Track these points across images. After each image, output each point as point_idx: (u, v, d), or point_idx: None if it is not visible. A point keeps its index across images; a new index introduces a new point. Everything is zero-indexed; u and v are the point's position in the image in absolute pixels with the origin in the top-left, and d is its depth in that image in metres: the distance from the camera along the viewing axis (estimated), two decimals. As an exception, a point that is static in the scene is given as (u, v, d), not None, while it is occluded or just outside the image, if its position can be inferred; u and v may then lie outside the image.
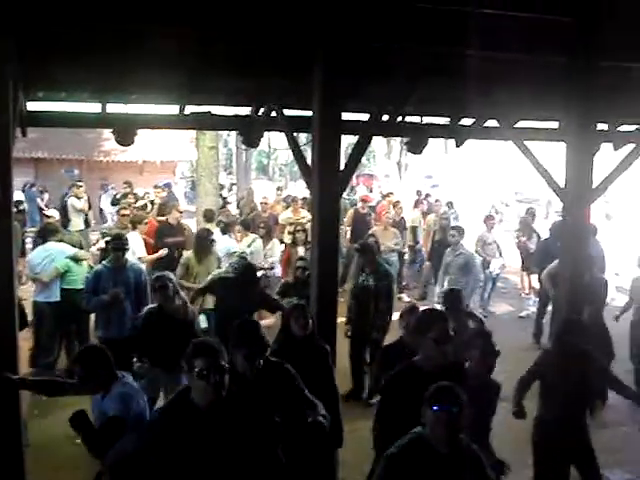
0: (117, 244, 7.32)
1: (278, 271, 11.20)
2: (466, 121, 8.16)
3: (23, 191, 16.67)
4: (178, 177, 28.41)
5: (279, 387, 4.24)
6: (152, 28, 4.96)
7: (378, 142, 40.81)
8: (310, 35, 5.17)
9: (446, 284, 9.83)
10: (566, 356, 5.31)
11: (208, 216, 11.57)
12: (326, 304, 5.57)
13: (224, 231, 10.54)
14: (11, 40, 4.61)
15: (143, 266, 8.26)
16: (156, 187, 15.51)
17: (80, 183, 16.06)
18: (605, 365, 5.78)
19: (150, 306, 6.67)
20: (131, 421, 4.25)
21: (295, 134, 6.69)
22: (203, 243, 9.09)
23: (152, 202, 14.31)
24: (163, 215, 11.85)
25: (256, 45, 5.62)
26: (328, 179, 5.45)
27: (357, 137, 6.23)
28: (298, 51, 5.54)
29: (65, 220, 13.93)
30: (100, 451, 4.22)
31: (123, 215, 11.13)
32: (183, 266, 8.95)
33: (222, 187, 20.28)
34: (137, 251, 9.72)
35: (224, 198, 17.58)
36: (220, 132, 18.18)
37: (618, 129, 8.55)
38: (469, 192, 25.01)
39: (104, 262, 7.43)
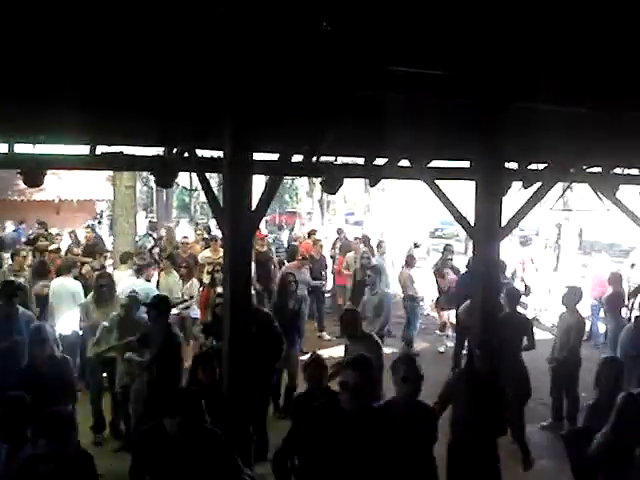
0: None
1: (195, 312, 11.05)
2: (380, 160, 8.27)
3: None
4: (105, 216, 27.90)
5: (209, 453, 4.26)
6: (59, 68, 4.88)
7: (302, 180, 41.17)
8: (221, 84, 5.17)
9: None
10: (471, 383, 5.44)
11: (123, 259, 11.37)
12: (239, 344, 5.52)
13: (138, 273, 10.36)
14: None
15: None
16: (87, 227, 15.20)
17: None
18: (507, 397, 5.86)
19: None
20: None
21: (208, 174, 6.66)
22: (100, 291, 8.98)
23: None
24: (91, 256, 11.69)
25: (169, 90, 5.58)
26: (239, 219, 5.45)
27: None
28: (209, 97, 5.52)
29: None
30: None
31: (21, 257, 10.91)
32: (82, 310, 8.95)
33: (151, 226, 20.04)
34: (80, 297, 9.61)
35: (154, 238, 17.25)
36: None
37: (528, 167, 8.81)
38: (391, 228, 25.32)
39: None
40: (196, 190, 52.47)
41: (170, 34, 4.41)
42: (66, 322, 9.65)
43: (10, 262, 11.35)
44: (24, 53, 4.55)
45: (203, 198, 55.58)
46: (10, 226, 19.20)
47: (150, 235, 17.70)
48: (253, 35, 4.46)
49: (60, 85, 5.18)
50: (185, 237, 15.48)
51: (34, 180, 6.73)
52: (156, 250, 14.97)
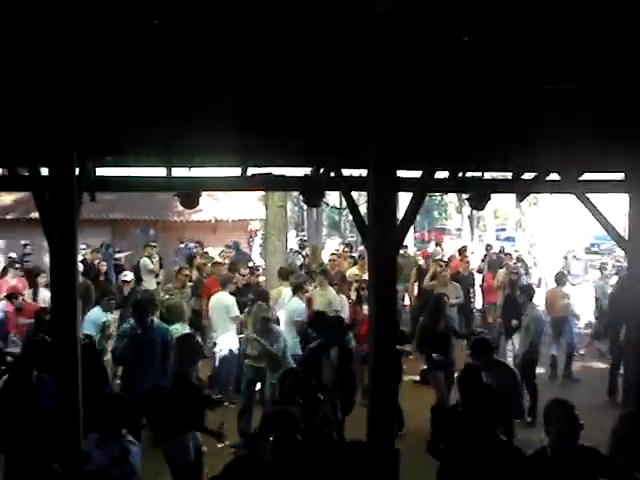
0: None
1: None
2: (528, 174, 8.08)
3: (99, 251, 17.15)
4: (260, 234, 28.79)
5: None
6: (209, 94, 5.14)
7: (451, 196, 40.67)
8: (365, 102, 5.24)
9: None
10: None
11: (283, 274, 11.67)
12: (384, 361, 5.55)
13: (296, 291, 10.64)
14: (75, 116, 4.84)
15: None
16: (227, 247, 15.81)
17: (153, 243, 16.55)
18: None
19: None
20: None
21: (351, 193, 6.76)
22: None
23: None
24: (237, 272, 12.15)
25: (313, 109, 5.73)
26: (384, 236, 5.49)
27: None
28: (354, 116, 5.61)
29: (138, 280, 14.33)
30: None
31: (183, 275, 11.49)
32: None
33: (301, 245, 20.56)
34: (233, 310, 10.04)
35: (304, 256, 17.72)
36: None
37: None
38: (544, 244, 24.53)
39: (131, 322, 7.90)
40: (345, 209, 53.20)
41: (325, 64, 4.56)
42: (223, 335, 10.15)
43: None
44: (179, 82, 4.84)
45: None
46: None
47: (299, 253, 18.12)
48: (400, 48, 4.51)
49: (214, 111, 5.46)
50: (333, 254, 15.73)
51: (190, 202, 7.10)
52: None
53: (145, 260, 14.96)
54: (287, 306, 10.00)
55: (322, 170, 7.34)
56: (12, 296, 10.50)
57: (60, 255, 4.84)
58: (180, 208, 23.62)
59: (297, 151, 7.01)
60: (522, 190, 8.07)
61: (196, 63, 4.67)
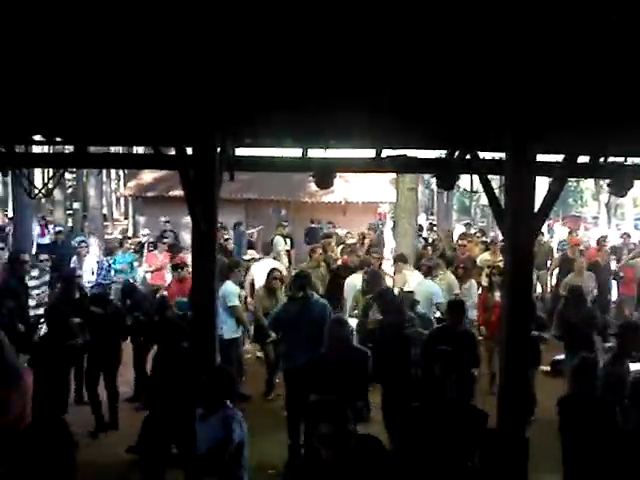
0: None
1: (472, 314, 11.01)
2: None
3: (233, 230, 17.67)
4: (388, 217, 28.84)
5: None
6: (345, 76, 5.16)
7: (587, 182, 39.21)
8: (501, 83, 5.13)
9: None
10: None
11: (403, 259, 11.65)
12: (517, 349, 5.45)
13: (426, 274, 10.58)
14: (218, 97, 4.99)
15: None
16: (369, 228, 15.84)
17: (285, 223, 16.90)
18: None
19: None
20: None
21: (488, 176, 6.64)
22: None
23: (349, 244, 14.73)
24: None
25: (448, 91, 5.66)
26: (520, 222, 5.37)
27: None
28: (490, 97, 5.50)
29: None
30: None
31: (318, 254, 11.64)
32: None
33: (421, 228, 20.35)
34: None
35: (425, 239, 17.63)
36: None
37: None
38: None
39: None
40: (477, 192, 52.23)
41: (463, 46, 4.49)
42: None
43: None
44: (317, 64, 4.89)
45: (483, 201, 55.15)
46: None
47: (420, 236, 17.97)
48: (539, 30, 4.38)
49: (351, 93, 5.49)
50: (463, 239, 15.52)
51: (325, 182, 7.19)
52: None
53: (278, 239, 15.28)
54: (422, 289, 9.93)
55: (457, 153, 7.24)
56: (177, 266, 10.93)
57: (202, 231, 5.02)
58: (312, 189, 24.27)
59: (434, 135, 6.97)
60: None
61: (334, 45, 4.70)
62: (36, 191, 6.27)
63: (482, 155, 6.95)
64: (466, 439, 4.39)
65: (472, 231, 20.34)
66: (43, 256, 11.57)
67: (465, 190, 48.06)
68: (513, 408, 5.39)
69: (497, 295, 10.37)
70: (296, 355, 7.49)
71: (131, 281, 12.08)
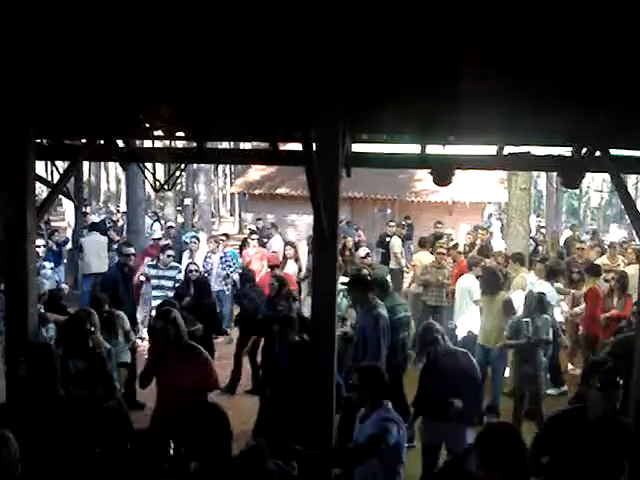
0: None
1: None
2: None
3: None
4: (494, 218, 28.28)
5: None
6: (466, 70, 4.95)
7: None
8: None
9: None
10: None
11: (520, 260, 11.30)
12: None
13: (548, 277, 10.19)
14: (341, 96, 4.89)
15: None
16: (479, 228, 15.52)
17: (392, 223, 16.75)
18: None
19: None
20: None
21: (622, 176, 6.26)
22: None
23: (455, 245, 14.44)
24: (486, 257, 11.93)
25: (577, 82, 5.35)
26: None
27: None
28: (627, 86, 5.15)
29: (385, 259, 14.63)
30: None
31: (440, 254, 11.44)
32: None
33: (530, 230, 19.83)
34: (474, 294, 9.98)
35: (535, 240, 17.10)
36: (532, 173, 17.78)
37: None
38: None
39: None
40: (587, 194, 50.65)
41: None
42: (462, 318, 10.03)
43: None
44: (434, 58, 4.71)
45: (593, 203, 53.43)
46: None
47: (532, 238, 17.45)
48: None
49: (468, 87, 5.27)
50: (581, 242, 14.97)
51: (443, 179, 6.99)
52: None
53: (396, 240, 15.18)
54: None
55: (585, 150, 6.88)
56: (273, 266, 11.04)
57: (324, 227, 4.92)
58: (417, 188, 24.01)
59: (560, 130, 6.65)
60: None
61: (455, 34, 4.50)
62: (158, 184, 6.32)
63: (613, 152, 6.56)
64: (615, 454, 4.17)
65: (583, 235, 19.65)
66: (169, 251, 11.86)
67: (575, 192, 46.82)
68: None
69: (615, 301, 9.93)
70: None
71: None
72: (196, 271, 10.23)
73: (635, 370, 5.29)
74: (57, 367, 5.22)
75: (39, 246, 11.29)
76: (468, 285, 10.34)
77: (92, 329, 6.31)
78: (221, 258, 13.06)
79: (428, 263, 12.18)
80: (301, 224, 23.37)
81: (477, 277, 10.21)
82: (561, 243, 18.05)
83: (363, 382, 4.84)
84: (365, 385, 4.81)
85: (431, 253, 12.69)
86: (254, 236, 14.22)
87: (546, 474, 4.33)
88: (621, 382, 4.26)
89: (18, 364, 5.18)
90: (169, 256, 11.47)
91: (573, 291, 11.38)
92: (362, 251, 13.03)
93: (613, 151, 6.33)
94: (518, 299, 9.71)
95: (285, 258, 12.96)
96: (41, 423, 4.90)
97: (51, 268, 12.63)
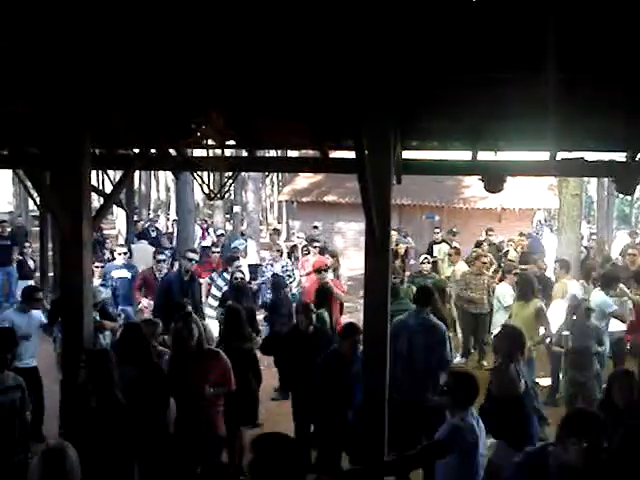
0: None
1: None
2: None
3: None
4: (544, 225, 27.97)
5: None
6: (518, 75, 4.92)
7: None
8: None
9: None
10: None
11: (566, 266, 11.09)
12: None
13: (603, 286, 9.97)
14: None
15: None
16: (521, 235, 15.37)
17: (438, 230, 16.68)
18: None
19: None
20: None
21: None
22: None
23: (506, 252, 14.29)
24: (526, 264, 11.79)
25: (630, 86, 5.27)
26: None
27: None
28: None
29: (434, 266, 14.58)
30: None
31: (481, 262, 11.40)
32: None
33: (581, 237, 19.53)
34: (505, 300, 9.88)
35: (586, 248, 16.85)
36: (583, 179, 17.53)
37: None
38: None
39: None
40: (638, 200, 49.75)
41: None
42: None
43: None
44: (483, 63, 4.68)
45: (646, 208, 52.45)
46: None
47: (584, 247, 17.22)
48: None
49: (519, 92, 5.22)
50: (633, 249, 14.65)
51: (494, 185, 6.94)
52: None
53: (444, 246, 15.13)
54: (594, 299, 9.42)
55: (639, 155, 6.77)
56: (320, 269, 11.02)
57: (376, 234, 4.93)
58: (466, 195, 23.83)
59: (611, 136, 6.56)
60: None
61: (504, 49, 4.48)
62: (210, 192, 6.41)
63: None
64: None
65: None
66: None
67: (627, 198, 45.95)
68: None
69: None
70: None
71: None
72: (242, 279, 10.39)
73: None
74: (114, 373, 5.33)
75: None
76: (500, 292, 10.39)
77: (153, 339, 6.46)
78: (282, 267, 13.09)
79: (466, 271, 12.17)
80: (349, 232, 23.39)
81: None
82: (613, 249, 17.67)
83: (456, 387, 4.76)
84: (457, 390, 4.73)
85: (467, 263, 12.74)
86: (316, 244, 14.18)
87: None
88: None
89: (77, 370, 5.30)
90: (238, 267, 11.63)
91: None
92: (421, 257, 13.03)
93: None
94: (559, 306, 9.77)
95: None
96: (103, 426, 5.02)
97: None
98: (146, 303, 10.53)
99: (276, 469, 3.39)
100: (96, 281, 10.62)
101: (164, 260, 11.25)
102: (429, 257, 12.80)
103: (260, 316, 10.84)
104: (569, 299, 9.59)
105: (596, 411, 4.24)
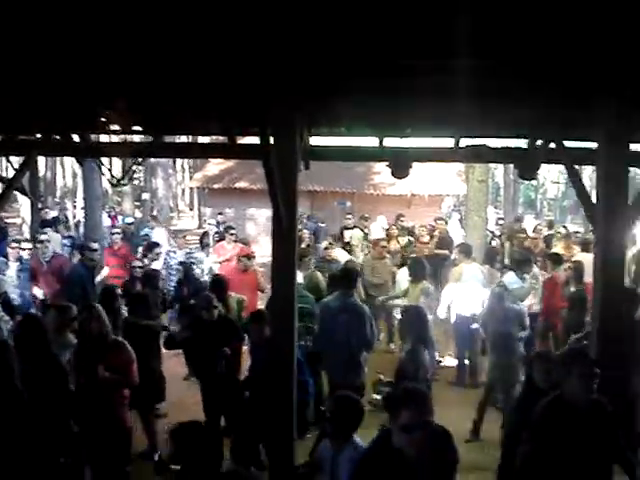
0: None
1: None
2: None
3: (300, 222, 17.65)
4: (452, 210, 28.58)
5: None
6: (423, 63, 4.97)
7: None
8: (597, 61, 4.88)
9: None
10: None
11: (465, 251, 11.29)
12: (609, 347, 5.19)
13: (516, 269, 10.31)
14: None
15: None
16: (439, 219, 15.61)
17: (349, 216, 16.79)
18: None
19: None
20: None
21: (577, 167, 6.36)
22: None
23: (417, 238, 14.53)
24: (442, 249, 12.03)
25: (532, 75, 5.41)
26: (614, 215, 5.11)
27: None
28: (580, 78, 5.23)
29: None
30: None
31: (378, 246, 11.58)
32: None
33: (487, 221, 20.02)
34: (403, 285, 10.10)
35: (492, 232, 17.26)
36: (490, 165, 17.97)
37: None
38: None
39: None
40: (544, 185, 51.40)
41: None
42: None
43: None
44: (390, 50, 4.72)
45: (549, 194, 54.18)
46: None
47: (488, 230, 17.61)
48: None
49: (425, 79, 5.29)
50: (535, 232, 15.18)
51: (400, 172, 7.02)
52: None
53: (357, 232, 15.25)
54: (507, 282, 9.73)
55: (540, 142, 6.97)
56: (249, 257, 10.95)
57: (283, 221, 4.91)
58: (376, 181, 24.02)
59: (515, 123, 6.72)
60: None
61: (410, 36, 4.52)
62: (113, 179, 6.25)
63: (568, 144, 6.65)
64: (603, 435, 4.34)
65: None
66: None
67: (532, 183, 47.39)
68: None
69: (572, 289, 10.09)
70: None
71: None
72: (140, 267, 10.24)
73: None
74: (14, 364, 5.16)
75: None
76: (400, 277, 10.85)
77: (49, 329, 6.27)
78: (187, 254, 12.96)
79: (369, 256, 12.42)
80: (260, 218, 23.31)
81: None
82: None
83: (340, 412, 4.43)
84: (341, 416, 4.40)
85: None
86: (232, 231, 14.04)
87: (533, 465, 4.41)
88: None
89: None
90: (157, 254, 11.58)
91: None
92: (324, 243, 13.11)
93: (567, 143, 6.43)
94: (452, 289, 10.31)
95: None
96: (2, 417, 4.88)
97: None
98: (37, 291, 10.32)
99: (195, 457, 3.39)
100: (13, 264, 10.42)
101: (46, 241, 11.00)
102: (333, 243, 12.88)
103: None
104: (476, 282, 9.97)
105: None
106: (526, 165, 7.12)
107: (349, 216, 17.11)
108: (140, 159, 6.63)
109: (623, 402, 5.16)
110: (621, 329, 5.30)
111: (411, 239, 14.32)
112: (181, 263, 12.05)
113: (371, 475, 3.72)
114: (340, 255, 12.16)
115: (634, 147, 5.70)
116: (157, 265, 11.85)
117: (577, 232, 14.19)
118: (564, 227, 16.99)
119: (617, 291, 5.25)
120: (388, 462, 3.61)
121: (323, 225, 18.83)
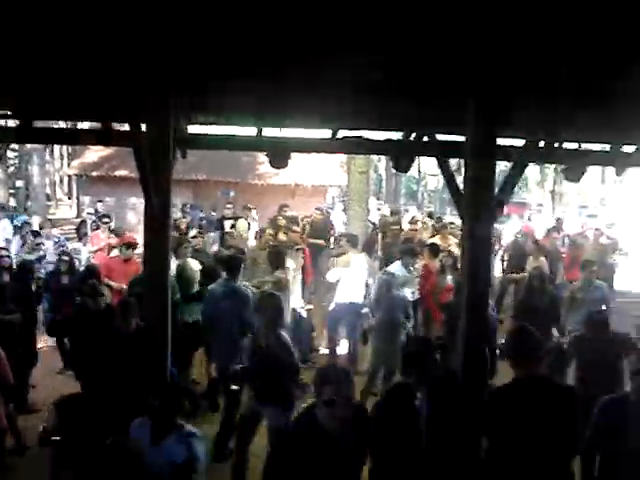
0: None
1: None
2: (628, 148, 7.70)
3: (182, 211, 17.41)
4: (337, 201, 28.92)
5: None
6: (304, 55, 5.02)
7: (531, 169, 39.79)
8: (465, 66, 5.06)
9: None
10: None
11: (352, 241, 11.52)
12: (477, 333, 5.41)
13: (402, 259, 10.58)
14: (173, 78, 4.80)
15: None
16: (316, 209, 15.74)
17: (229, 205, 16.75)
18: None
19: None
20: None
21: (447, 159, 6.59)
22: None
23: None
24: (316, 238, 12.18)
25: (410, 73, 5.56)
26: (480, 206, 5.32)
27: (511, 163, 6.06)
28: (450, 78, 5.42)
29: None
30: None
31: (267, 235, 11.63)
32: None
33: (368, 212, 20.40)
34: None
35: (373, 223, 17.61)
36: (371, 157, 18.29)
37: None
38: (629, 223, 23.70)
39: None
40: (425, 177, 52.83)
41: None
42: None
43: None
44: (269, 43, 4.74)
45: (430, 186, 55.73)
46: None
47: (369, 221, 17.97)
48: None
49: (304, 71, 5.34)
50: (413, 223, 15.57)
51: (279, 162, 7.04)
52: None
53: (242, 222, 15.19)
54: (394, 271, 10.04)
55: (414, 135, 7.17)
56: (131, 245, 10.70)
57: (155, 209, 4.85)
58: (260, 171, 24.01)
59: (391, 116, 6.88)
60: (621, 163, 7.71)
61: (291, 28, 4.55)
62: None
63: (439, 137, 6.87)
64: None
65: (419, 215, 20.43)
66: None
67: (414, 175, 48.69)
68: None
69: (448, 278, 10.44)
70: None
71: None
72: (7, 257, 9.84)
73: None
74: None
75: None
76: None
77: None
78: (55, 243, 12.60)
79: (255, 246, 12.49)
80: (142, 207, 22.77)
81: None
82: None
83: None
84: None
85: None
86: (106, 219, 13.66)
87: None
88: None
89: None
90: (38, 244, 11.34)
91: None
92: (192, 232, 13.02)
93: (439, 136, 6.65)
94: (336, 274, 10.57)
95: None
96: None
97: None
98: None
99: (77, 428, 3.43)
100: None
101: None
102: (201, 231, 12.91)
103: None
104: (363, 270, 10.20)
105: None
106: (401, 158, 7.31)
107: (229, 205, 17.04)
108: (11, 144, 6.34)
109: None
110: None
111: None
112: (64, 253, 11.63)
113: (295, 448, 3.97)
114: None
115: (501, 141, 5.92)
116: (35, 255, 11.53)
117: (452, 223, 14.58)
118: (439, 218, 17.54)
119: (484, 279, 5.47)
120: (311, 435, 3.89)
121: (214, 214, 18.63)
